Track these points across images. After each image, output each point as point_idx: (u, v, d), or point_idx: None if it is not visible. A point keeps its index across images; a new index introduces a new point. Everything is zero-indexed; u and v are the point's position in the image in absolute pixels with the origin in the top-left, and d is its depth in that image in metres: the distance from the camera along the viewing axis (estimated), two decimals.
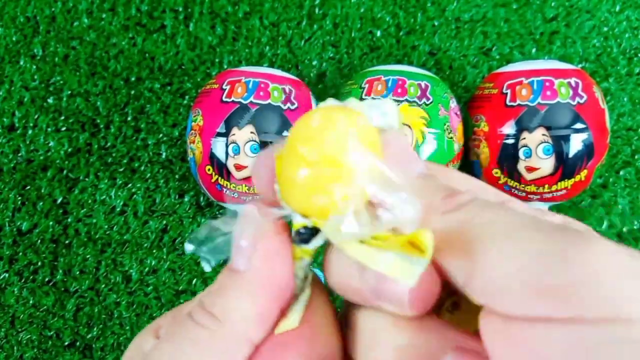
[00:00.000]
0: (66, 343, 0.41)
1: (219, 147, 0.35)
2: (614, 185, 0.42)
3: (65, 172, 0.43)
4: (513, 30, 0.44)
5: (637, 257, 0.11)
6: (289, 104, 0.36)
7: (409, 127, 0.35)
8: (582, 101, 0.35)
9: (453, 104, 0.38)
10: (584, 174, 0.35)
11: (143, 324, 0.41)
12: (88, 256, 0.42)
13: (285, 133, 0.35)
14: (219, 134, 0.35)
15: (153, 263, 0.41)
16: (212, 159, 0.36)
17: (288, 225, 0.15)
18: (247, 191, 0.36)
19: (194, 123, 0.37)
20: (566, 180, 0.35)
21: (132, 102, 0.43)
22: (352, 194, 0.13)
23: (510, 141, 0.35)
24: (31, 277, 0.41)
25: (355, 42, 0.44)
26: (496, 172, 0.37)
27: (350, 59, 0.44)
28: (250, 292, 0.14)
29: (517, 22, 0.44)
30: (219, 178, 0.36)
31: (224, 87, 0.36)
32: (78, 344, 0.41)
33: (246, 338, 0.14)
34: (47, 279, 0.41)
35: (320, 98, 0.41)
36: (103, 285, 0.41)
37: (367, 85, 0.37)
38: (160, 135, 0.43)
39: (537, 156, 0.35)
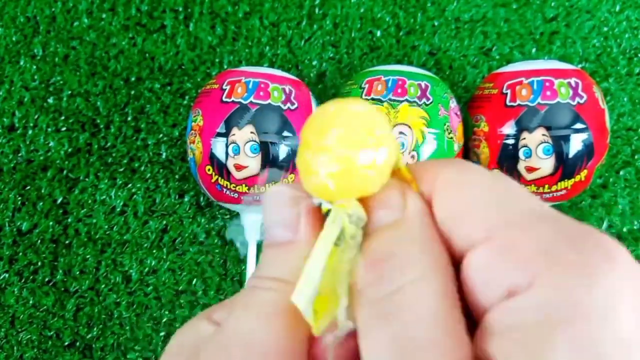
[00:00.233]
0: (66, 343, 0.41)
1: (219, 147, 0.35)
2: (614, 185, 0.42)
3: (65, 172, 0.43)
4: (513, 30, 0.44)
5: None
6: (289, 104, 0.36)
7: (409, 127, 0.35)
8: (582, 101, 0.35)
9: (453, 104, 0.38)
10: (584, 174, 0.35)
11: (143, 324, 0.41)
12: (88, 256, 0.42)
13: (285, 133, 0.35)
14: (219, 134, 0.35)
15: (153, 263, 0.41)
16: (212, 159, 0.36)
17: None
18: (247, 191, 0.36)
19: (194, 123, 0.37)
20: (566, 180, 0.35)
21: (132, 102, 0.43)
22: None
23: (510, 141, 0.35)
24: (31, 277, 0.41)
25: (355, 42, 0.44)
26: None
27: (350, 59, 0.44)
28: (304, 254, 0.15)
29: (517, 22, 0.44)
30: (219, 178, 0.36)
31: (224, 87, 0.36)
32: (78, 344, 0.41)
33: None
34: (47, 279, 0.41)
35: (320, 98, 0.41)
36: (103, 285, 0.41)
37: (367, 85, 0.37)
38: (160, 135, 0.43)
39: (537, 156, 0.35)
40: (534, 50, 0.44)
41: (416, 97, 0.36)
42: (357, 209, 0.15)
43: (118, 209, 0.42)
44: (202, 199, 0.42)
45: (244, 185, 0.36)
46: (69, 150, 0.43)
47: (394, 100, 0.35)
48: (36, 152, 0.43)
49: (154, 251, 0.42)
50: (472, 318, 0.13)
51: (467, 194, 0.14)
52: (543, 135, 0.35)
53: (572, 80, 0.35)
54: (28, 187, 0.42)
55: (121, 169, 0.43)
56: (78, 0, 0.45)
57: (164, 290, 0.41)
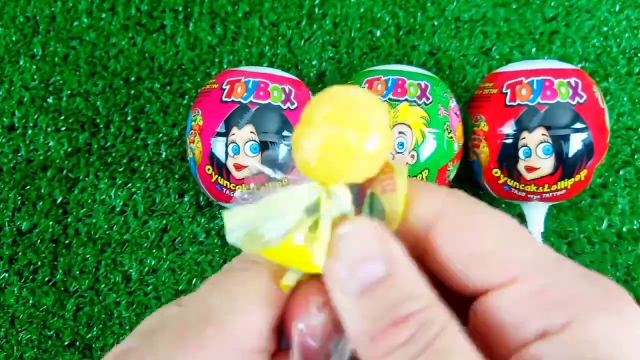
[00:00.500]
0: (66, 343, 0.41)
1: (219, 147, 0.35)
2: (614, 185, 0.42)
3: (65, 172, 0.43)
4: (513, 30, 0.44)
5: None
6: (289, 104, 0.36)
7: (409, 127, 0.35)
8: (582, 101, 0.35)
9: (453, 104, 0.38)
10: (584, 174, 0.35)
11: None
12: (88, 256, 0.42)
13: (285, 133, 0.35)
14: (219, 134, 0.35)
15: (153, 263, 0.41)
16: (212, 159, 0.36)
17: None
18: (247, 190, 0.36)
19: (194, 123, 0.37)
20: (566, 180, 0.35)
21: (132, 102, 0.43)
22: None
23: (510, 141, 0.35)
24: (31, 277, 0.41)
25: (355, 42, 0.44)
26: (496, 172, 0.37)
27: (350, 59, 0.44)
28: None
29: (517, 22, 0.44)
30: (219, 178, 0.36)
31: (224, 87, 0.36)
32: (78, 344, 0.41)
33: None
34: (47, 279, 0.41)
35: None
36: (103, 285, 0.41)
37: (367, 85, 0.37)
38: (160, 135, 0.43)
39: (537, 156, 0.35)
40: (534, 50, 0.44)
41: (416, 97, 0.36)
42: (342, 191, 0.14)
43: (118, 209, 0.42)
44: (202, 199, 0.42)
45: (244, 185, 0.36)
46: (69, 150, 0.43)
47: (394, 100, 0.35)
48: (36, 152, 0.43)
49: (154, 251, 0.42)
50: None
51: (484, 233, 0.14)
52: (543, 135, 0.35)
53: (572, 80, 0.35)
54: (28, 187, 0.42)
55: (121, 169, 0.43)
56: (78, 0, 0.45)
57: (164, 290, 0.41)
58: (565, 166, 0.35)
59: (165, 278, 0.41)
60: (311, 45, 0.44)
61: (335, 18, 0.44)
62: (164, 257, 0.42)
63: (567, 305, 0.12)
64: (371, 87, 0.36)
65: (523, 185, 0.36)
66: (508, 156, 0.36)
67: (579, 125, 0.34)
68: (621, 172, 0.42)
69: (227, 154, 0.35)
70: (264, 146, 0.35)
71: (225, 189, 0.36)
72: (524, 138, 0.35)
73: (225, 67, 0.44)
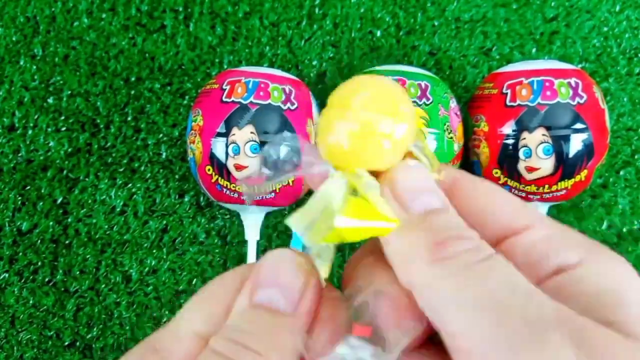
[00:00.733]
0: (66, 343, 0.41)
1: (219, 147, 0.35)
2: (614, 185, 0.42)
3: (65, 172, 0.43)
4: (513, 30, 0.44)
5: None
6: (289, 104, 0.36)
7: None
8: (582, 101, 0.35)
9: (453, 104, 0.38)
10: (584, 174, 0.35)
11: (143, 324, 0.41)
12: (88, 256, 0.42)
13: (285, 133, 0.35)
14: (219, 134, 0.35)
15: (153, 263, 0.41)
16: (212, 159, 0.36)
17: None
18: (247, 191, 0.36)
19: (194, 123, 0.37)
20: (566, 180, 0.35)
21: (132, 102, 0.43)
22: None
23: (510, 141, 0.35)
24: (31, 277, 0.41)
25: (355, 42, 0.44)
26: (496, 172, 0.37)
27: (350, 59, 0.44)
28: (294, 332, 0.14)
29: (517, 22, 0.44)
30: (219, 178, 0.36)
31: (224, 87, 0.36)
32: (78, 344, 0.41)
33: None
34: (47, 279, 0.41)
35: (320, 98, 0.41)
36: (103, 285, 0.41)
37: None
38: (160, 135, 0.43)
39: (537, 156, 0.35)
40: (534, 50, 0.44)
41: (416, 97, 0.36)
42: (367, 177, 0.15)
43: (118, 209, 0.42)
44: (202, 199, 0.42)
45: (244, 185, 0.36)
46: (69, 150, 0.43)
47: None
48: (36, 152, 0.43)
49: (154, 251, 0.42)
50: None
51: (498, 193, 0.16)
52: (543, 135, 0.35)
53: (572, 80, 0.35)
54: (28, 187, 0.42)
55: (121, 169, 0.43)
56: (78, 0, 0.45)
57: (164, 290, 0.41)
58: (565, 166, 0.35)
59: (165, 278, 0.41)
60: (311, 45, 0.44)
61: (335, 18, 0.44)
62: (164, 257, 0.42)
63: (577, 248, 0.14)
64: None
65: (523, 186, 0.36)
66: (508, 156, 0.36)
67: (579, 126, 0.34)
68: (621, 172, 0.42)
69: (227, 154, 0.35)
70: (264, 146, 0.35)
71: (225, 189, 0.36)
72: (524, 138, 0.35)
73: (225, 67, 0.44)
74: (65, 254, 0.42)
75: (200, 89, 0.40)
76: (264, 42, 0.44)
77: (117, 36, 0.44)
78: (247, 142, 0.35)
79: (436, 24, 0.44)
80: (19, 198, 0.42)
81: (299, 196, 0.38)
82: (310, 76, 0.44)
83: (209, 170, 0.36)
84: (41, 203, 0.42)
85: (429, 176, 0.15)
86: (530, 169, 0.35)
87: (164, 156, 0.43)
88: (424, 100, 0.36)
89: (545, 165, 0.35)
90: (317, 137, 0.15)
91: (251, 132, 0.35)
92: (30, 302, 0.41)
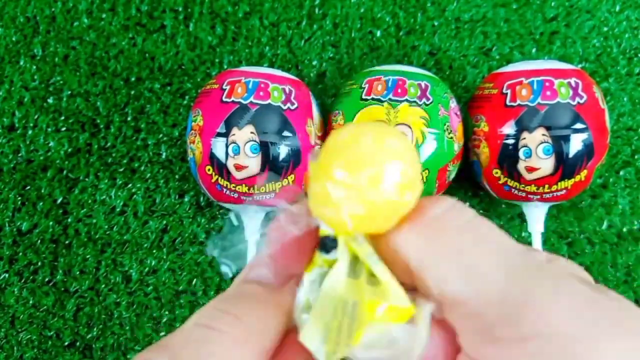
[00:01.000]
0: (66, 343, 0.41)
1: (219, 147, 0.35)
2: (614, 185, 0.42)
3: (65, 172, 0.43)
4: (513, 30, 0.44)
5: None
6: (289, 104, 0.36)
7: (409, 127, 0.35)
8: (582, 101, 0.35)
9: (453, 104, 0.38)
10: (584, 174, 0.35)
11: (143, 324, 0.41)
12: (88, 256, 0.42)
13: (285, 133, 0.35)
14: (219, 134, 0.35)
15: (153, 263, 0.41)
16: (212, 159, 0.36)
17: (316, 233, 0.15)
18: (247, 191, 0.36)
19: (194, 123, 0.37)
20: (566, 180, 0.35)
21: (132, 102, 0.43)
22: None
23: (510, 141, 0.35)
24: (31, 277, 0.41)
25: (355, 42, 0.44)
26: (496, 172, 0.37)
27: (350, 59, 0.44)
28: (280, 305, 0.15)
29: (517, 22, 0.44)
30: (219, 178, 0.36)
31: (224, 87, 0.36)
32: (78, 344, 0.41)
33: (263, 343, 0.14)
34: (47, 279, 0.41)
35: (320, 98, 0.41)
36: (103, 286, 0.41)
37: (367, 85, 0.37)
38: (160, 135, 0.43)
39: (537, 156, 0.35)
40: (534, 50, 0.44)
41: (416, 97, 0.36)
42: (364, 243, 0.14)
43: (118, 209, 0.42)
44: (202, 199, 0.42)
45: (244, 185, 0.36)
46: (69, 150, 0.43)
47: (394, 100, 0.35)
48: (36, 152, 0.43)
49: (154, 251, 0.42)
50: None
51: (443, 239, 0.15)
52: (543, 135, 0.35)
53: (572, 80, 0.35)
54: (28, 187, 0.42)
55: (121, 169, 0.43)
56: (78, 0, 0.45)
57: (164, 290, 0.41)
58: (565, 166, 0.35)
59: (165, 278, 0.41)
60: (311, 45, 0.44)
61: (335, 18, 0.44)
62: (164, 257, 0.42)
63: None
64: (371, 87, 0.36)
65: (523, 186, 0.36)
66: (508, 156, 0.36)
67: (579, 126, 0.34)
68: (621, 172, 0.42)
69: (227, 154, 0.35)
70: (264, 146, 0.35)
71: (225, 189, 0.36)
72: (524, 138, 0.35)
73: (225, 67, 0.44)
74: (65, 254, 0.42)
75: (200, 89, 0.40)
76: (264, 42, 0.44)
77: (117, 36, 0.44)
78: (247, 142, 0.35)
79: (436, 24, 0.44)
80: (19, 198, 0.42)
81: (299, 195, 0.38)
82: (310, 76, 0.44)
83: (209, 170, 0.36)
84: (41, 203, 0.42)
85: None
86: (530, 169, 0.35)
87: (164, 156, 0.43)
88: (424, 100, 0.36)
89: (545, 165, 0.35)
90: (310, 199, 0.14)
91: (251, 132, 0.35)
92: (30, 302, 0.41)
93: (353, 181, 0.13)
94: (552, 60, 0.38)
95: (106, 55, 0.44)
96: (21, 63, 0.44)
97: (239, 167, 0.35)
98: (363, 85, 0.37)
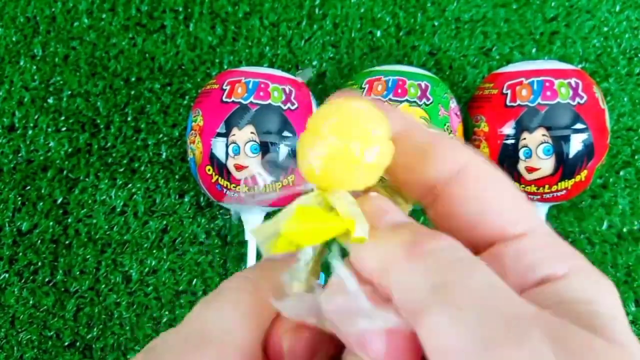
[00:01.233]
0: (66, 343, 0.41)
1: (219, 147, 0.35)
2: (614, 186, 0.42)
3: (65, 172, 0.43)
4: (513, 30, 0.44)
5: None
6: (289, 104, 0.36)
7: None
8: (582, 101, 0.35)
9: (453, 104, 0.38)
10: (584, 174, 0.35)
11: (143, 324, 0.41)
12: (88, 256, 0.42)
13: (285, 133, 0.35)
14: (219, 134, 0.35)
15: (153, 263, 0.41)
16: (212, 159, 0.36)
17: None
18: (247, 191, 0.36)
19: (194, 123, 0.37)
20: (566, 180, 0.35)
21: (132, 102, 0.43)
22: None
23: (511, 141, 0.35)
24: (31, 277, 0.41)
25: (355, 42, 0.44)
26: None
27: (350, 59, 0.44)
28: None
29: (517, 22, 0.44)
30: (219, 178, 0.36)
31: (224, 87, 0.36)
32: (78, 344, 0.41)
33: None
34: (47, 279, 0.41)
35: (320, 98, 0.41)
36: (103, 286, 0.41)
37: (367, 86, 0.37)
38: (160, 135, 0.43)
39: (537, 156, 0.35)
40: (534, 50, 0.44)
41: (416, 97, 0.36)
42: (346, 197, 0.15)
43: (118, 209, 0.42)
44: (202, 199, 0.42)
45: (244, 185, 0.36)
46: (69, 150, 0.43)
47: (394, 101, 0.35)
48: (36, 152, 0.43)
49: (154, 251, 0.42)
50: None
51: (503, 193, 0.15)
52: (543, 135, 0.35)
53: (572, 81, 0.35)
54: (28, 187, 0.42)
55: (121, 169, 0.43)
56: (78, 0, 0.45)
57: (164, 290, 0.41)
58: (566, 166, 0.35)
59: (165, 278, 0.41)
60: (311, 45, 0.44)
61: (335, 18, 0.44)
62: (164, 257, 0.42)
63: (565, 262, 0.14)
64: (371, 88, 0.36)
65: (523, 186, 0.36)
66: (508, 156, 0.36)
67: (579, 126, 0.34)
68: (621, 173, 0.42)
69: (227, 154, 0.35)
70: (264, 146, 0.35)
71: (225, 189, 0.36)
72: (524, 138, 0.35)
73: (225, 67, 0.44)
74: (65, 254, 0.42)
75: (200, 89, 0.40)
76: (264, 42, 0.44)
77: (117, 36, 0.44)
78: (247, 142, 0.35)
79: (436, 24, 0.44)
80: (19, 198, 0.42)
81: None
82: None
83: (209, 170, 0.36)
84: (41, 203, 0.42)
85: (391, 203, 0.15)
86: (531, 169, 0.35)
87: (164, 156, 0.43)
88: (424, 100, 0.36)
89: (546, 165, 0.35)
90: (297, 160, 0.16)
91: (251, 132, 0.35)
92: (30, 302, 0.41)
93: (317, 130, 0.15)
94: (552, 61, 0.38)
95: (106, 55, 0.44)
96: (21, 63, 0.44)
97: (239, 167, 0.35)
98: (363, 86, 0.37)
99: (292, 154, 0.35)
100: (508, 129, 0.35)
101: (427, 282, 0.13)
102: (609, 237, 0.41)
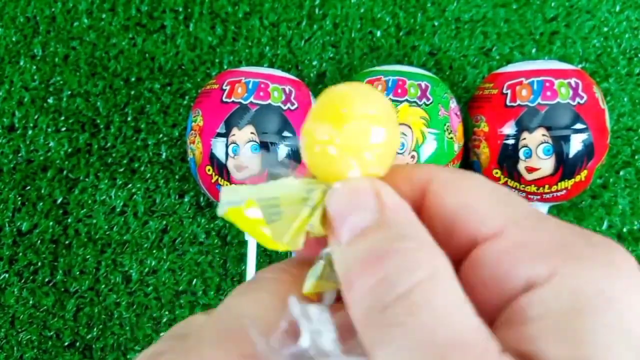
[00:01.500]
0: (66, 343, 0.41)
1: (218, 147, 0.35)
2: (614, 186, 0.42)
3: (65, 172, 0.43)
4: (513, 30, 0.44)
5: None
6: (289, 104, 0.36)
7: (409, 127, 0.35)
8: (582, 101, 0.35)
9: (453, 104, 0.38)
10: (584, 174, 0.35)
11: (143, 324, 0.41)
12: (88, 256, 0.42)
13: (285, 133, 0.35)
14: (219, 135, 0.35)
15: (153, 263, 0.41)
16: (212, 159, 0.36)
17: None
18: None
19: (194, 123, 0.37)
20: (566, 180, 0.35)
21: (132, 102, 0.43)
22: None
23: (511, 141, 0.35)
24: (31, 277, 0.41)
25: (355, 42, 0.44)
26: (496, 172, 0.37)
27: (350, 59, 0.44)
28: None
29: (517, 22, 0.44)
30: (219, 178, 0.36)
31: (224, 87, 0.36)
32: (78, 344, 0.41)
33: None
34: (47, 280, 0.41)
35: None
36: (103, 286, 0.41)
37: None
38: (160, 135, 0.43)
39: (537, 156, 0.35)
40: (534, 50, 0.44)
41: (416, 97, 0.36)
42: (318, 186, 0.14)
43: (118, 209, 0.42)
44: (202, 199, 0.42)
45: (234, 169, 0.36)
46: (69, 150, 0.43)
47: (394, 101, 0.35)
48: (36, 152, 0.43)
49: (154, 251, 0.42)
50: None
51: (473, 191, 0.14)
52: (543, 135, 0.35)
53: (572, 81, 0.35)
54: (28, 187, 0.42)
55: (121, 169, 0.43)
56: (78, 1, 0.45)
57: (164, 290, 0.41)
58: (566, 166, 0.35)
59: (165, 278, 0.41)
60: (311, 45, 0.44)
61: (335, 18, 0.44)
62: (164, 257, 0.42)
63: (550, 256, 0.12)
64: None
65: (523, 186, 0.36)
66: (508, 156, 0.36)
67: (579, 126, 0.34)
68: (621, 173, 0.42)
69: (227, 154, 0.35)
70: (264, 146, 0.35)
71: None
72: (524, 138, 0.35)
73: (225, 67, 0.44)
74: (65, 254, 0.42)
75: (200, 89, 0.40)
76: (264, 43, 0.44)
77: (117, 36, 0.44)
78: (247, 143, 0.35)
79: (436, 24, 0.44)
80: (19, 198, 0.42)
81: None
82: (310, 76, 0.44)
83: (209, 170, 0.36)
84: (41, 203, 0.42)
85: (369, 185, 0.14)
86: (531, 169, 0.35)
87: (164, 156, 0.43)
88: (424, 100, 0.36)
89: (546, 165, 0.35)
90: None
91: (251, 133, 0.35)
92: (30, 302, 0.41)
93: (306, 120, 0.14)
94: (552, 61, 0.38)
95: (106, 55, 0.44)
96: (21, 63, 0.44)
97: (239, 168, 0.35)
98: None
99: (292, 154, 0.35)
100: (508, 129, 0.35)
101: (375, 315, 0.12)
102: (609, 237, 0.41)
